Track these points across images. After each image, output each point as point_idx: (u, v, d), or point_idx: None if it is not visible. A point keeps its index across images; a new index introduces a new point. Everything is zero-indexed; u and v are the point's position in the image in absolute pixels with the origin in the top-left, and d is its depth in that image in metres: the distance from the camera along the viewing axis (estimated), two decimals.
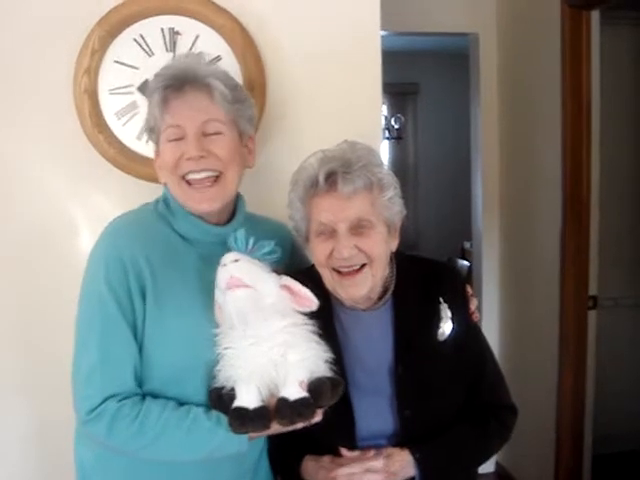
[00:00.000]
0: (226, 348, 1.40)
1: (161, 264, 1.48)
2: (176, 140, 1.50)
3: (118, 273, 1.43)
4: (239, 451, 1.44)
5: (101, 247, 1.49)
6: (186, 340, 1.46)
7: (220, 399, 1.41)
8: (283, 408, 1.34)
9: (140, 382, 1.46)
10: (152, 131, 1.56)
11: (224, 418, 1.39)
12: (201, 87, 1.50)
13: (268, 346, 1.37)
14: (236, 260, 1.36)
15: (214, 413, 1.43)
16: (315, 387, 1.37)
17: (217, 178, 1.53)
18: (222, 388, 1.41)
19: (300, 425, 1.38)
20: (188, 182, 1.52)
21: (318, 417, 1.40)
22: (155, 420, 1.41)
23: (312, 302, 1.41)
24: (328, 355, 1.42)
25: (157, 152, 1.58)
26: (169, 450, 1.43)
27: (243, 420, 1.34)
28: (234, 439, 1.40)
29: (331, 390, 1.39)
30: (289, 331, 1.39)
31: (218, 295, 1.40)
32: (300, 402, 1.34)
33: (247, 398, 1.36)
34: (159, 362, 1.46)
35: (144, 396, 1.45)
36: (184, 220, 1.56)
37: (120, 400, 1.41)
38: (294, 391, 1.35)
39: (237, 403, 1.36)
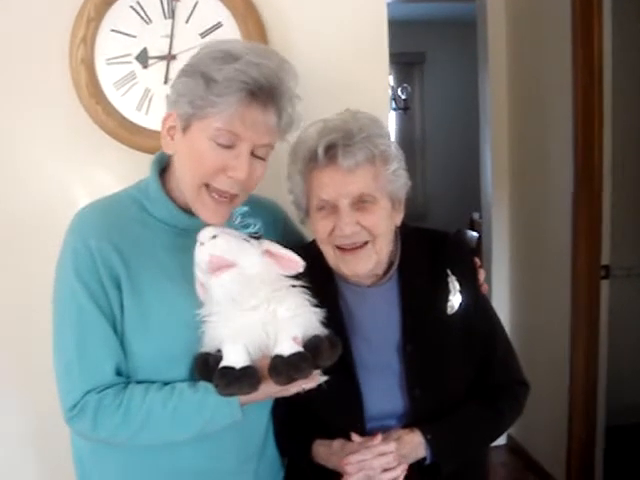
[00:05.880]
0: (209, 314, 1.35)
1: (134, 251, 1.41)
2: (222, 146, 1.35)
3: (87, 264, 1.37)
4: (233, 420, 1.38)
5: (68, 238, 1.42)
6: (170, 327, 1.40)
7: (206, 364, 1.36)
8: (278, 365, 1.27)
9: (126, 374, 1.41)
10: (192, 106, 1.35)
11: (212, 388, 1.34)
12: (277, 108, 1.38)
13: (254, 305, 1.31)
14: (214, 236, 1.30)
15: (201, 384, 1.38)
16: (312, 344, 1.31)
17: (235, 196, 1.43)
18: (208, 354, 1.36)
19: (296, 388, 1.33)
20: (208, 190, 1.40)
21: (315, 381, 1.35)
22: (139, 404, 1.36)
23: (297, 263, 1.36)
24: (321, 314, 1.36)
25: (185, 127, 1.38)
26: (160, 432, 1.39)
27: (229, 380, 1.29)
28: (225, 406, 1.36)
29: (329, 349, 1.33)
30: (276, 291, 1.33)
31: (199, 275, 1.33)
32: (296, 356, 1.28)
33: (234, 358, 1.30)
34: (143, 352, 1.40)
35: (127, 384, 1.40)
36: (162, 206, 1.47)
37: (101, 391, 1.36)
38: (288, 346, 1.29)
39: (223, 363, 1.31)
